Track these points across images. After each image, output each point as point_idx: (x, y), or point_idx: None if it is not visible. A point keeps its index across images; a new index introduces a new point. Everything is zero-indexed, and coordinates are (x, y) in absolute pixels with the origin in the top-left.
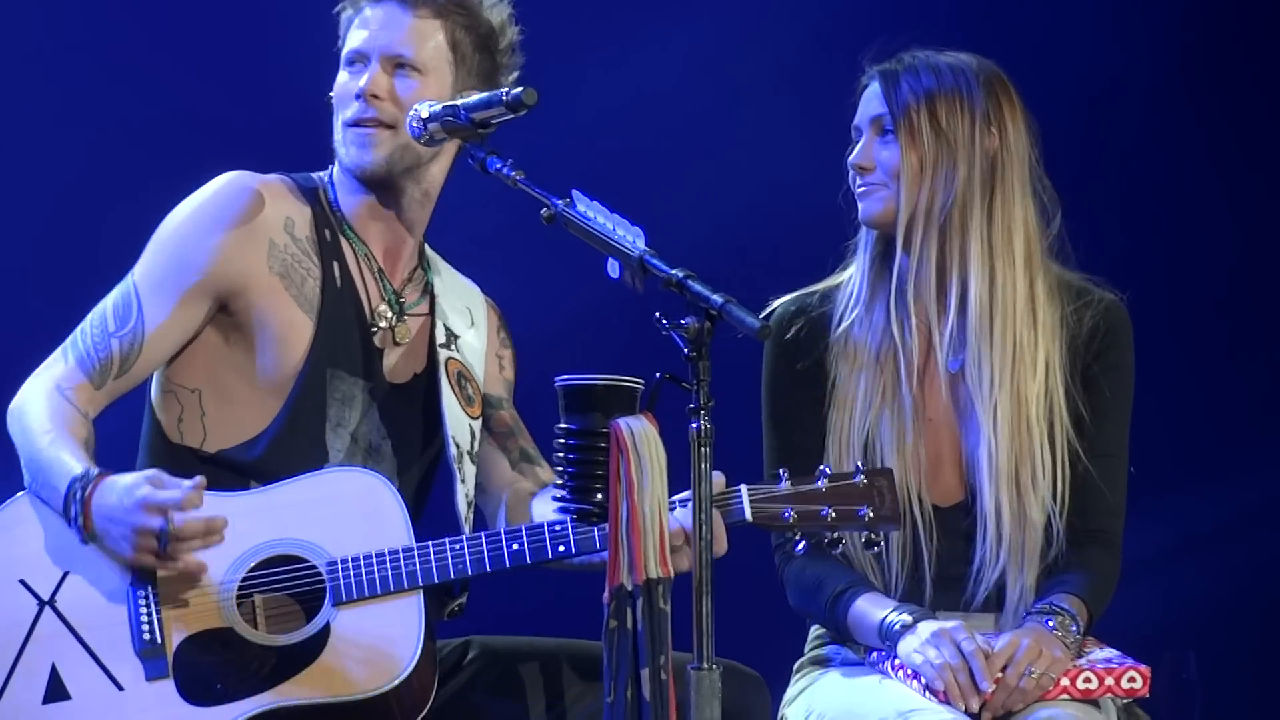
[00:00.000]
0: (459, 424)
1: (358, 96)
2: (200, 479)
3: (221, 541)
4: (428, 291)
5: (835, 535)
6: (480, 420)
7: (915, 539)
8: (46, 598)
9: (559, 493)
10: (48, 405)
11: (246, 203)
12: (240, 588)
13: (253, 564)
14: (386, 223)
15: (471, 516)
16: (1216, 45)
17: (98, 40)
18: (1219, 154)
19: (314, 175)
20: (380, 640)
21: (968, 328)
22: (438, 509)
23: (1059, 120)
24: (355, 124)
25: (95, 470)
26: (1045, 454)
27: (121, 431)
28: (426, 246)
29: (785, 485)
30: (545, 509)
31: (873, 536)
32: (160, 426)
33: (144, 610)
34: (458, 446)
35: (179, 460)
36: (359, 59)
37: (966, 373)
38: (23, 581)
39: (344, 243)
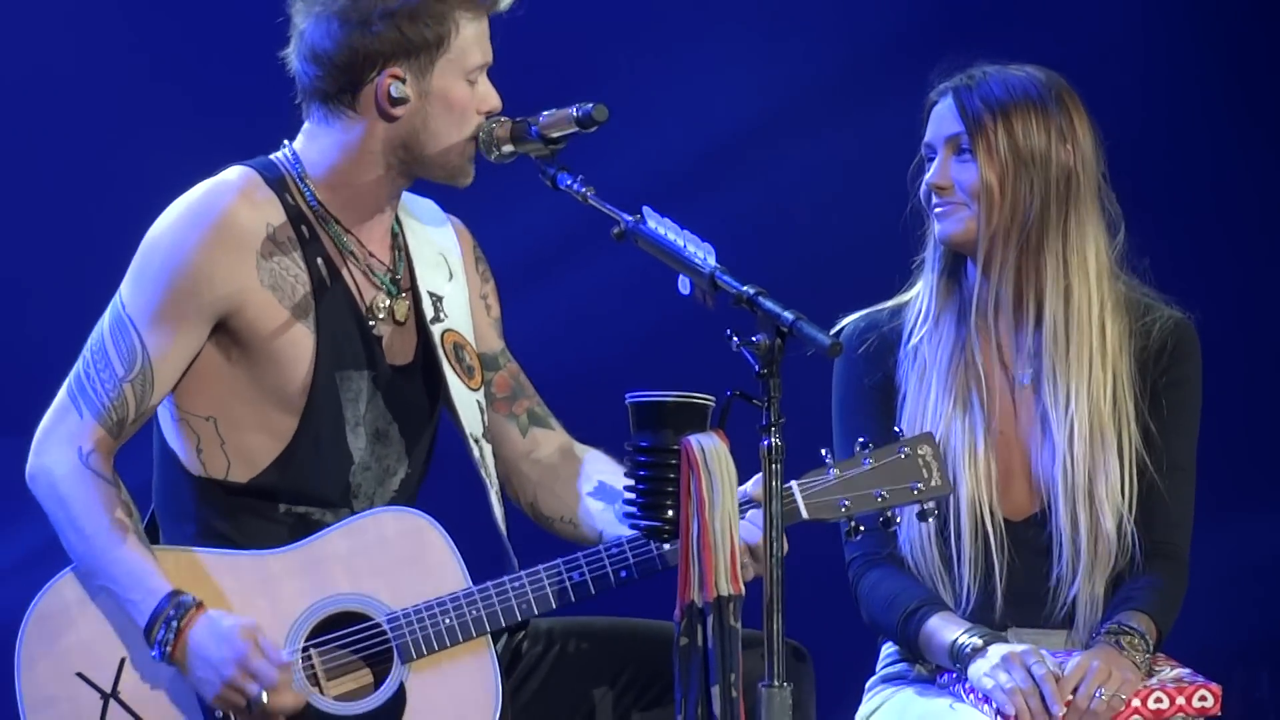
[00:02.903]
0: (468, 408)
1: (485, 112)
2: (293, 660)
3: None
4: (404, 253)
5: (891, 514)
6: (482, 390)
7: (987, 553)
8: (109, 690)
9: (629, 508)
10: (82, 487)
11: (228, 217)
12: (303, 655)
13: (310, 628)
14: (367, 202)
15: (505, 512)
16: None
17: (87, 36)
18: None
19: (275, 160)
20: (460, 698)
21: (1043, 343)
22: (469, 510)
23: (1124, 131)
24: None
25: (191, 599)
26: (1115, 467)
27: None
28: None
29: (833, 474)
30: (576, 488)
31: (926, 507)
32: (177, 459)
33: None
34: (475, 441)
35: (206, 495)
36: (483, 69)
37: (1041, 387)
38: (81, 675)
39: (323, 236)
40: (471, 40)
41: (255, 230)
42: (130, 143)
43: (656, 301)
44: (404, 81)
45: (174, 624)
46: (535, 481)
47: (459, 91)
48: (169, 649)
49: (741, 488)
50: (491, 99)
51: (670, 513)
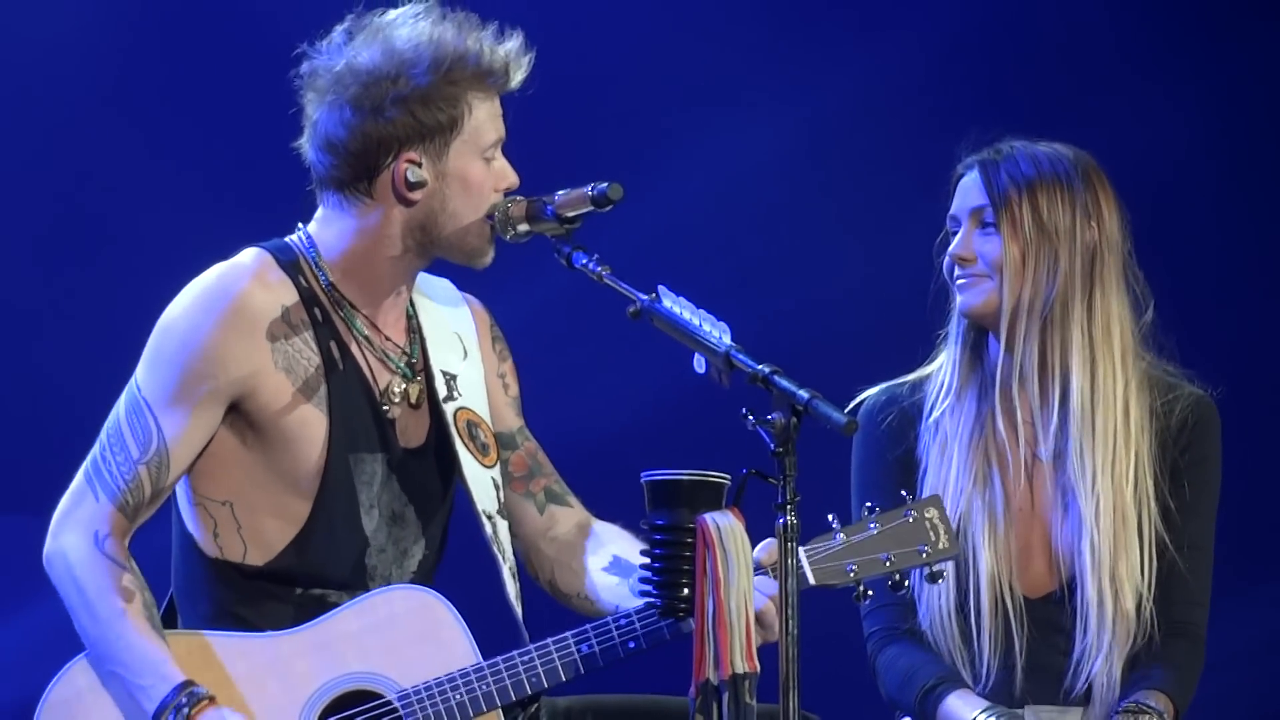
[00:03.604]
0: (482, 485)
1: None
2: None
3: None
4: (418, 334)
5: (899, 577)
6: (497, 468)
7: (1007, 630)
8: None
9: (644, 586)
10: (96, 572)
11: (242, 300)
12: None
13: (323, 707)
14: (382, 285)
15: (519, 589)
16: None
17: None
18: None
19: (289, 242)
20: None
21: (1070, 420)
22: (484, 587)
23: (1148, 209)
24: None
25: (204, 690)
26: (1136, 546)
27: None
28: None
29: (839, 538)
30: (594, 564)
31: (934, 570)
32: (194, 543)
33: None
34: (488, 518)
35: (223, 578)
36: (497, 147)
37: (1067, 465)
38: None
39: (336, 320)
40: (485, 119)
41: (269, 312)
42: (145, 229)
43: (672, 380)
44: (420, 165)
45: (184, 712)
46: (553, 559)
47: (475, 170)
48: None
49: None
50: (509, 176)
51: (686, 590)
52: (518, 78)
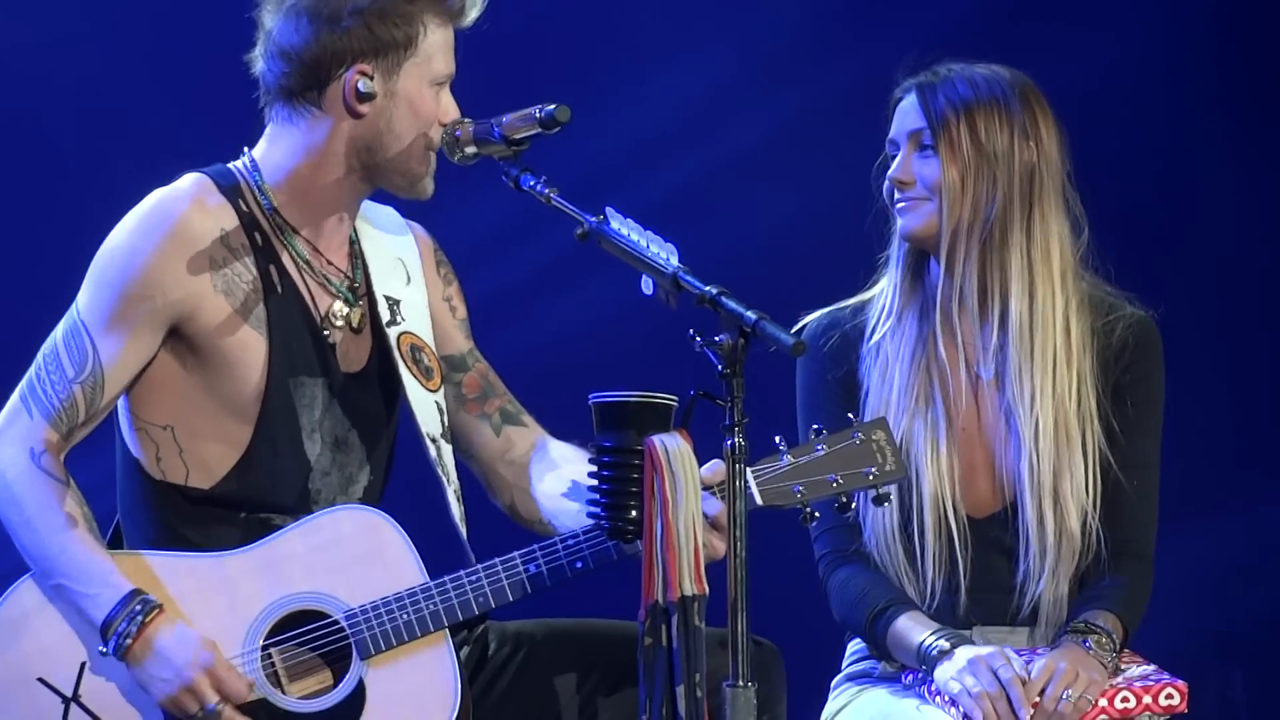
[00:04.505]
0: (426, 408)
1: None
2: (252, 676)
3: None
4: (360, 259)
5: (846, 499)
6: (442, 391)
7: (951, 550)
8: (70, 694)
9: (593, 508)
10: (35, 487)
11: (181, 224)
12: (262, 654)
13: (269, 626)
14: (325, 209)
15: (463, 511)
16: (1247, 47)
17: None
18: (1250, 160)
19: (232, 167)
20: (419, 693)
21: (1009, 341)
22: (429, 510)
23: (1088, 128)
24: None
25: (155, 599)
26: (1080, 465)
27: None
28: None
29: (786, 460)
30: (552, 489)
31: (880, 492)
32: (139, 465)
33: None
34: (433, 441)
35: (168, 500)
36: (447, 82)
37: (1007, 386)
38: (42, 680)
39: (277, 244)
40: (438, 47)
41: (208, 235)
42: (85, 154)
43: (619, 301)
44: (371, 79)
45: (138, 619)
46: (512, 484)
47: (425, 96)
48: (129, 642)
49: None
50: (453, 112)
51: (634, 513)
52: (472, 15)
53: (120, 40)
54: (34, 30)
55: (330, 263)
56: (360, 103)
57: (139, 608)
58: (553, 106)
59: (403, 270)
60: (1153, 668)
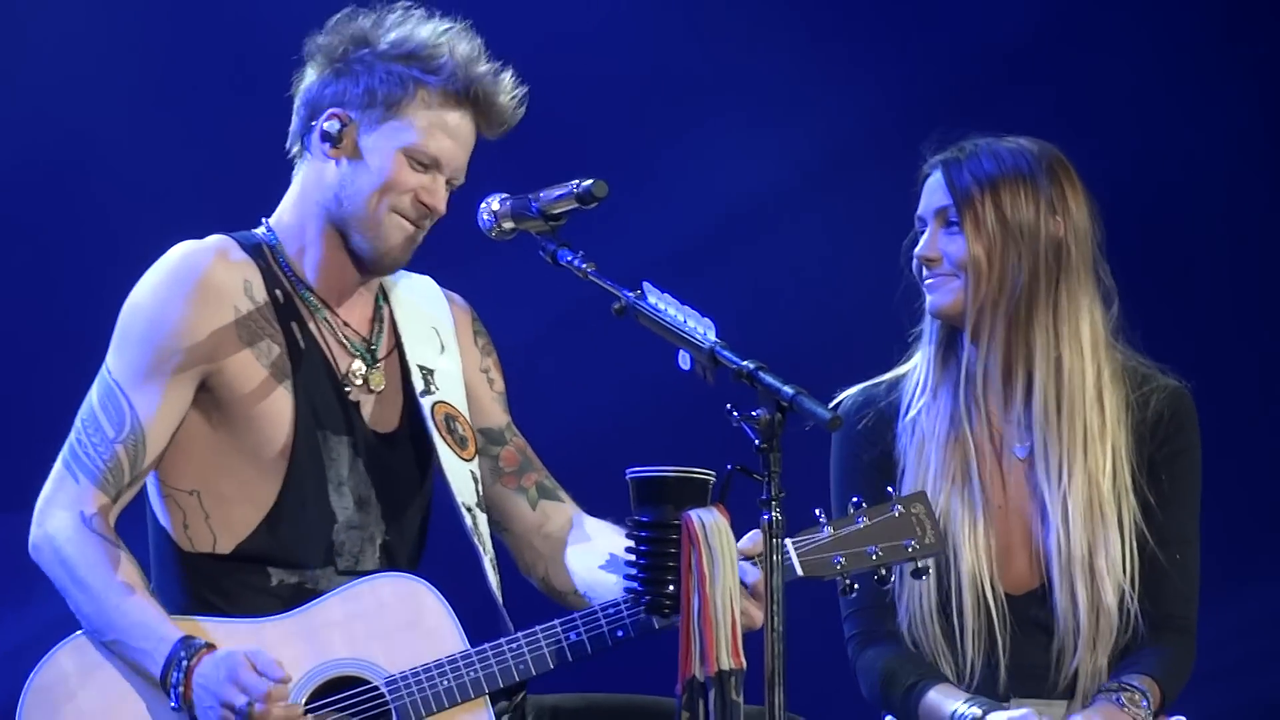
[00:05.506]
0: (460, 477)
1: (423, 204)
2: (287, 675)
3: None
4: (391, 326)
5: (885, 571)
6: (476, 460)
7: (990, 627)
8: None
9: (630, 583)
10: (88, 547)
11: (207, 274)
12: None
13: (309, 693)
14: (346, 275)
15: (500, 583)
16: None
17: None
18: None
19: (252, 232)
20: None
21: (1034, 416)
22: (466, 578)
23: (1120, 201)
24: (415, 222)
25: (202, 641)
26: (1116, 541)
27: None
28: None
29: (827, 531)
30: (587, 562)
31: (920, 565)
32: (168, 536)
33: None
34: (468, 510)
35: (198, 570)
36: (433, 165)
37: (1035, 461)
38: None
39: (298, 303)
40: (427, 122)
41: (233, 288)
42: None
43: (657, 377)
44: (344, 125)
45: (184, 664)
46: (547, 557)
47: (389, 159)
48: (182, 690)
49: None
50: (436, 196)
51: (671, 587)
52: (496, 125)
53: (149, 109)
54: (65, 86)
55: (346, 324)
56: (325, 143)
57: (184, 653)
58: (590, 182)
59: (437, 339)
60: None
